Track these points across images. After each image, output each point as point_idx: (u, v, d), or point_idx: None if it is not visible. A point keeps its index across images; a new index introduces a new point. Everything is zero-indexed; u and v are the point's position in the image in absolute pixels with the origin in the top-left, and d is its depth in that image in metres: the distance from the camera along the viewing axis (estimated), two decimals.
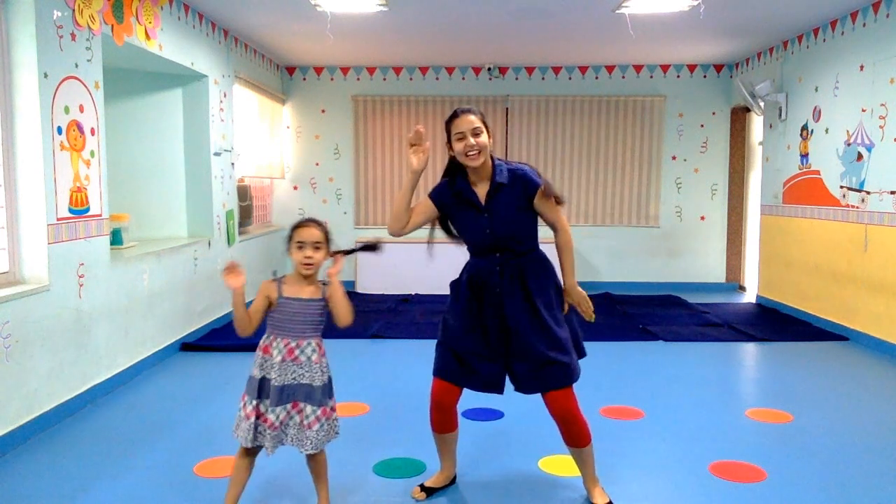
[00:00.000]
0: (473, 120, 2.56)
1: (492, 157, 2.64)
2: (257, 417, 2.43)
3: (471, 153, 2.55)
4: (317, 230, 2.48)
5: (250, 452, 2.50)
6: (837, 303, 5.80)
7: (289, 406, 2.44)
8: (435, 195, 2.71)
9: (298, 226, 2.49)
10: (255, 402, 2.43)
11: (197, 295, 5.54)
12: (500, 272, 2.61)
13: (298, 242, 2.46)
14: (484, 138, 2.57)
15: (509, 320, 2.59)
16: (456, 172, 2.69)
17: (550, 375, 2.55)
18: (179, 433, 3.49)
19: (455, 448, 2.88)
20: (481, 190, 2.63)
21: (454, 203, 2.67)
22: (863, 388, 4.32)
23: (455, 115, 2.60)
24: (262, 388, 2.44)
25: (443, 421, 2.76)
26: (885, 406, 3.97)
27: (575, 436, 2.64)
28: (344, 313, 2.50)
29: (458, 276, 2.74)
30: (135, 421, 3.70)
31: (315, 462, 2.56)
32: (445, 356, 2.70)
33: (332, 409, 2.52)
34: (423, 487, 2.82)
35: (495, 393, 2.66)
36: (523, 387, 2.63)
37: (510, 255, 2.62)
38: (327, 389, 2.51)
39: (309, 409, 2.44)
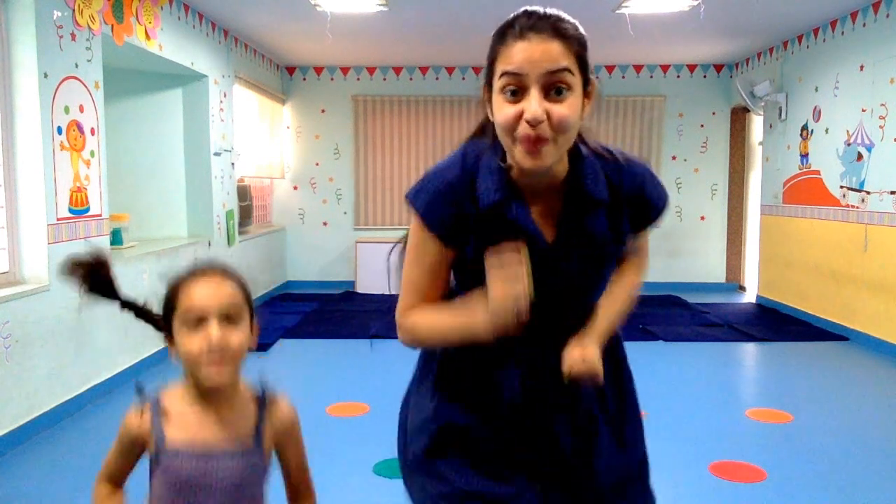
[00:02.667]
0: (555, 51, 1.15)
1: (578, 147, 1.27)
2: None
3: (533, 143, 1.16)
4: (228, 285, 1.27)
5: None
6: (837, 303, 5.80)
7: None
8: (437, 224, 1.27)
9: (184, 281, 1.27)
10: None
11: None
12: (552, 371, 1.28)
13: (192, 318, 1.23)
14: (572, 104, 1.17)
15: (595, 474, 1.36)
16: (489, 156, 1.27)
17: None
18: None
19: None
20: (544, 208, 1.28)
21: (481, 230, 1.25)
22: (863, 388, 4.32)
23: (511, 28, 1.19)
24: None
25: None
26: (885, 406, 3.97)
27: None
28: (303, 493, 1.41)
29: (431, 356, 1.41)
30: None
31: None
32: None
33: None
34: None
35: None
36: None
37: (569, 335, 1.29)
38: None
39: None
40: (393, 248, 1.44)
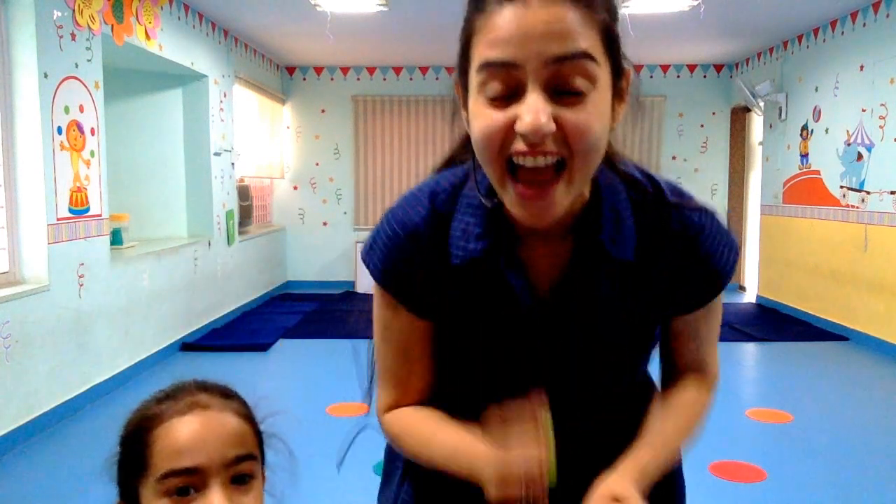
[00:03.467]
0: (563, 19, 0.71)
1: (605, 174, 0.89)
2: None
3: (531, 185, 0.76)
4: (231, 415, 0.85)
5: None
6: (837, 303, 5.80)
7: None
8: (397, 289, 0.93)
9: (162, 415, 0.86)
10: None
11: (197, 295, 5.53)
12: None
13: (179, 474, 0.79)
14: (594, 108, 0.75)
15: None
16: (470, 187, 0.92)
17: None
18: None
19: None
20: (545, 254, 0.89)
21: (456, 292, 0.91)
22: (863, 388, 4.32)
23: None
24: None
25: None
26: (885, 406, 3.97)
27: None
28: None
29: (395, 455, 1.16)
30: None
31: None
32: None
33: None
34: None
35: None
36: None
37: (606, 438, 0.95)
38: None
39: None
40: (370, 343, 1.02)
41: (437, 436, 0.92)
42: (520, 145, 0.73)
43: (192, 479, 0.76)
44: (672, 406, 0.99)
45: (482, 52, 0.74)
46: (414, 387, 0.97)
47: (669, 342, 1.00)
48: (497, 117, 0.74)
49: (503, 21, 0.71)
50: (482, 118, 0.75)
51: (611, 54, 0.76)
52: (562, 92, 0.73)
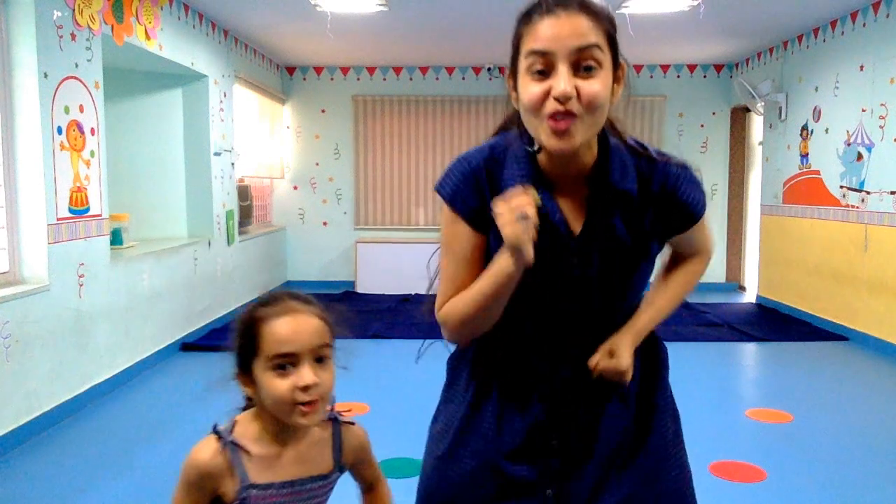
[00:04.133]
0: (583, 27, 1.12)
1: (608, 136, 1.24)
2: None
3: (561, 121, 1.11)
4: (316, 322, 1.20)
5: None
6: (837, 303, 5.80)
7: None
8: (463, 207, 1.25)
9: (269, 315, 1.18)
10: None
11: (197, 295, 5.54)
12: (574, 366, 1.26)
13: (282, 356, 1.16)
14: (600, 80, 1.13)
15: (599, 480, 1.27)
16: (517, 144, 1.24)
17: None
18: (179, 433, 3.49)
19: None
20: (572, 199, 1.23)
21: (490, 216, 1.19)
22: (863, 388, 4.32)
23: (537, 7, 1.16)
24: None
25: None
26: (885, 406, 3.97)
27: None
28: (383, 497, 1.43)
29: (463, 355, 1.38)
30: (135, 421, 3.70)
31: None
32: None
33: None
34: None
35: None
36: None
37: (601, 335, 1.26)
38: None
39: None
40: (434, 253, 1.40)
41: (473, 286, 1.22)
42: (552, 105, 1.11)
43: (289, 360, 1.15)
44: (669, 281, 1.39)
45: (529, 45, 1.13)
46: (466, 287, 1.24)
47: (674, 252, 1.40)
48: (540, 86, 1.12)
49: (543, 27, 1.12)
50: (529, 87, 1.13)
51: (612, 49, 1.15)
52: (579, 69, 1.11)
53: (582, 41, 1.11)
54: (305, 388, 1.14)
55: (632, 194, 1.22)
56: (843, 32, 5.75)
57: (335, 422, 1.29)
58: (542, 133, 1.14)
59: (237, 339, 1.20)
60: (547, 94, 1.11)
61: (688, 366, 4.85)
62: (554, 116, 1.11)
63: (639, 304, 1.33)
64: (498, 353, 1.29)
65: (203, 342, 5.31)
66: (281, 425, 1.20)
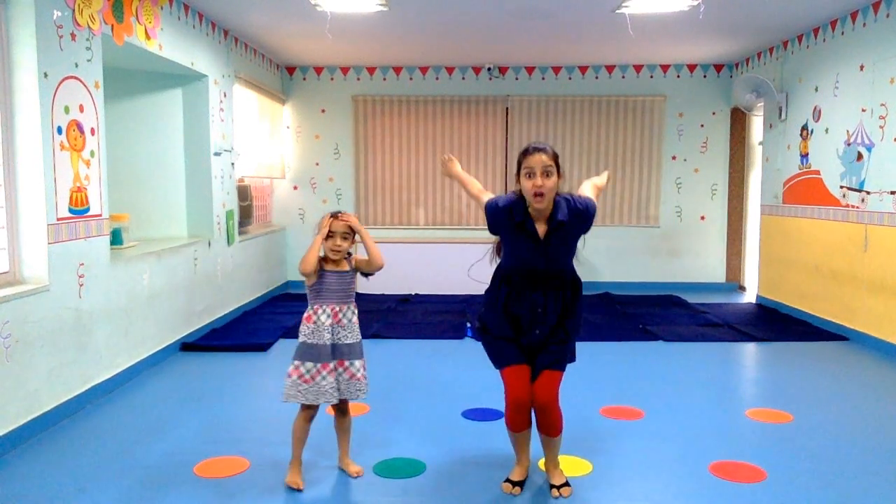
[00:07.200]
0: (545, 159, 2.68)
1: (556, 197, 2.74)
2: (299, 377, 2.85)
3: (537, 196, 2.67)
4: (346, 223, 2.91)
5: (309, 412, 2.91)
6: (837, 303, 5.80)
7: (335, 363, 2.89)
8: (491, 211, 2.81)
9: (333, 217, 2.91)
10: (295, 364, 2.85)
11: (197, 295, 5.54)
12: (543, 305, 2.75)
13: (331, 232, 2.88)
14: (553, 181, 2.68)
15: (541, 335, 2.80)
16: (521, 199, 2.78)
17: (555, 360, 2.77)
18: (179, 433, 3.49)
19: (530, 440, 2.91)
20: (541, 226, 2.74)
21: (510, 228, 2.76)
22: (863, 388, 4.32)
23: (528, 152, 2.72)
24: (309, 353, 2.86)
25: (522, 420, 2.80)
26: (885, 406, 3.97)
27: (550, 425, 2.79)
28: (374, 253, 2.94)
29: (498, 272, 2.88)
30: (135, 421, 3.70)
31: (346, 419, 3.02)
32: (501, 344, 2.81)
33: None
34: (512, 482, 2.86)
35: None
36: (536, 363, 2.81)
37: (556, 285, 2.77)
38: (361, 347, 3.00)
39: (357, 363, 2.93)
40: (491, 248, 3.03)
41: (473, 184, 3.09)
42: (534, 189, 2.70)
43: (335, 234, 2.89)
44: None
45: (524, 165, 2.73)
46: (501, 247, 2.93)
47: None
48: (529, 182, 2.70)
49: (531, 159, 2.72)
50: (525, 182, 2.71)
51: (557, 166, 2.74)
52: (545, 175, 2.70)
53: (546, 164, 2.69)
54: (335, 245, 2.89)
55: (565, 221, 2.72)
56: (843, 32, 5.75)
57: (349, 256, 2.97)
58: (529, 199, 2.71)
59: (319, 223, 2.93)
60: (532, 186, 2.68)
61: (688, 366, 4.85)
62: (534, 194, 2.68)
63: (573, 269, 2.84)
64: (508, 279, 2.82)
65: (203, 342, 5.31)
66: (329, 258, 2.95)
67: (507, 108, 8.14)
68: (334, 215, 2.90)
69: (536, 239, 2.72)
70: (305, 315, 2.92)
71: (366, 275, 3.06)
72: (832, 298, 5.88)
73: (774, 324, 6.14)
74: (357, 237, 2.93)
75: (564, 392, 2.86)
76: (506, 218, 2.75)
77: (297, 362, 2.87)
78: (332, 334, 2.90)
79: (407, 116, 8.17)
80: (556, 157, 2.72)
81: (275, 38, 6.62)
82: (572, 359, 2.87)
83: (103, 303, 4.11)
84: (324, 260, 2.92)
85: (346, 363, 2.91)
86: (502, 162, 8.19)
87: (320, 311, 2.89)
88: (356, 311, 3.01)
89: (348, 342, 2.93)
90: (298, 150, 8.25)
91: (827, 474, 3.02)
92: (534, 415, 2.80)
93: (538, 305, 2.76)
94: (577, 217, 2.74)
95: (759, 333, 5.72)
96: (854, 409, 3.91)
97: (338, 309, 2.93)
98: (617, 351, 5.21)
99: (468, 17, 5.75)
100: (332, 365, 2.87)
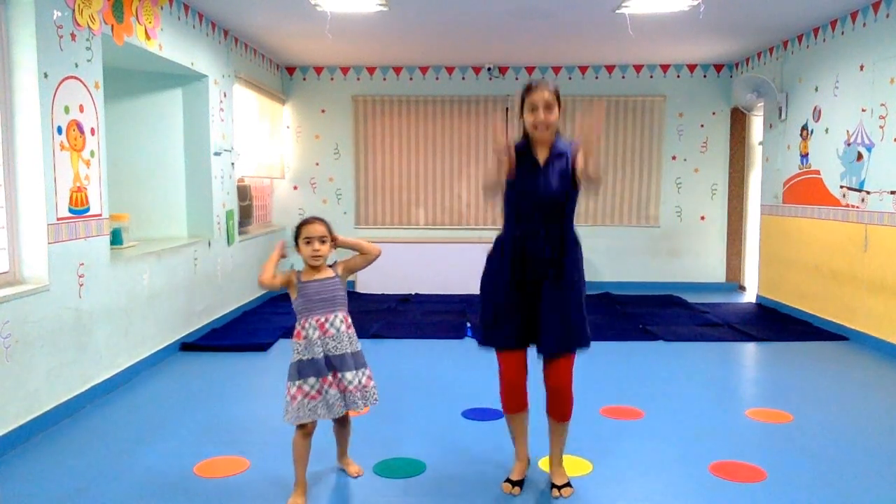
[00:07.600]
0: (547, 96, 2.74)
1: (557, 132, 2.84)
2: (304, 396, 2.73)
3: (540, 126, 2.75)
4: (321, 226, 2.82)
5: (307, 430, 2.77)
6: (837, 303, 5.80)
7: (331, 374, 2.77)
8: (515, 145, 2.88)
9: (304, 223, 2.83)
10: (297, 384, 2.74)
11: (197, 295, 5.54)
12: (544, 237, 2.76)
13: (306, 238, 2.80)
14: (555, 115, 2.76)
15: (544, 287, 2.77)
16: (525, 136, 2.87)
17: (564, 340, 2.74)
18: (179, 433, 3.49)
19: (528, 429, 2.94)
20: (541, 153, 2.82)
21: (518, 158, 2.81)
22: (863, 388, 4.32)
23: (530, 88, 2.77)
24: (301, 370, 2.75)
25: (517, 402, 2.85)
26: (885, 406, 3.97)
27: (560, 407, 2.82)
28: (365, 246, 2.92)
29: (493, 251, 2.90)
30: (135, 421, 3.70)
31: (346, 428, 3.00)
32: (499, 327, 2.82)
33: (370, 378, 2.90)
34: (511, 482, 2.87)
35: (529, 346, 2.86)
36: (544, 347, 2.77)
37: (553, 222, 2.78)
38: (361, 356, 2.87)
39: (349, 375, 2.80)
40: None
41: (489, 176, 2.90)
42: (536, 121, 2.80)
43: (311, 239, 2.80)
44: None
45: (528, 100, 2.80)
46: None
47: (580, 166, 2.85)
48: (532, 115, 2.79)
49: (534, 95, 2.79)
50: (528, 116, 2.81)
51: (559, 101, 2.82)
52: (547, 109, 2.79)
53: (547, 100, 2.76)
54: (314, 251, 2.80)
55: (565, 152, 2.82)
56: (843, 32, 5.75)
57: (334, 264, 2.91)
58: (534, 132, 2.82)
59: (294, 232, 2.84)
60: (535, 119, 2.77)
61: (688, 366, 4.85)
62: (537, 126, 2.78)
63: (573, 227, 2.86)
64: (510, 236, 2.83)
65: (203, 342, 5.31)
66: (310, 267, 2.84)
67: (506, 109, 8.14)
68: (307, 221, 2.82)
69: (536, 164, 2.78)
70: (295, 332, 2.81)
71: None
72: (832, 298, 5.88)
73: (774, 324, 6.14)
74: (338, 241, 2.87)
75: None
76: (514, 152, 2.79)
77: (298, 382, 2.74)
78: (323, 346, 2.77)
79: (407, 116, 8.17)
80: (557, 93, 2.78)
81: (275, 38, 6.62)
82: (586, 343, 2.80)
83: (103, 303, 4.11)
84: (301, 272, 2.82)
85: (339, 375, 2.79)
86: None
87: (307, 325, 2.78)
88: (346, 319, 2.84)
89: (338, 353, 2.78)
90: (298, 150, 8.25)
91: (827, 474, 3.02)
92: (532, 415, 2.80)
93: (538, 238, 2.75)
94: (571, 147, 2.82)
95: (759, 333, 5.72)
96: (854, 409, 3.91)
97: (323, 319, 2.78)
98: (617, 351, 5.21)
99: (468, 17, 5.75)
100: (330, 378, 2.76)
